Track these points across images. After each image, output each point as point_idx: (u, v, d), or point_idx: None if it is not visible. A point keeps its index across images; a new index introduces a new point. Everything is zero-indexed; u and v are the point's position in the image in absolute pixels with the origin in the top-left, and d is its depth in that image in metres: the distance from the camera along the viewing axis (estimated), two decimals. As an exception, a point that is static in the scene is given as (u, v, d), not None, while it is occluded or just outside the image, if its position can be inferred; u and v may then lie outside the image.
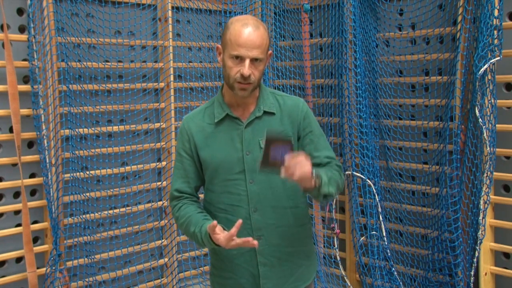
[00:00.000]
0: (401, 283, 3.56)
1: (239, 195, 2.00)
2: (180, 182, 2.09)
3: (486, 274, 3.19)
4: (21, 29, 3.25)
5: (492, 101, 3.06)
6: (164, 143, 3.80)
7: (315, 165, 2.00)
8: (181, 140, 2.08)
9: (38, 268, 3.18)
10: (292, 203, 2.05)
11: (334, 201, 3.90)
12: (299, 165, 1.74)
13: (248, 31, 1.89)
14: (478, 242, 3.13)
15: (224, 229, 1.87)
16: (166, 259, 3.83)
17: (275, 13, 4.16)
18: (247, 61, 1.89)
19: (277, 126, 2.03)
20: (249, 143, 2.00)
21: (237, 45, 1.88)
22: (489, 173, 3.09)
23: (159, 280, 3.81)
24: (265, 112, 2.03)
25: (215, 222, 1.82)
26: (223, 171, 2.01)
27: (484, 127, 3.04)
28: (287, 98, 2.09)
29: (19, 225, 3.20)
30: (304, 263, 2.11)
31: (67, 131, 3.32)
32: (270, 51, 2.02)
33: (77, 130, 3.36)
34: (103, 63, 3.50)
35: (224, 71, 1.96)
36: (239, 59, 1.90)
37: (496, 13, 2.97)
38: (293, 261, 2.07)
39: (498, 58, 3.01)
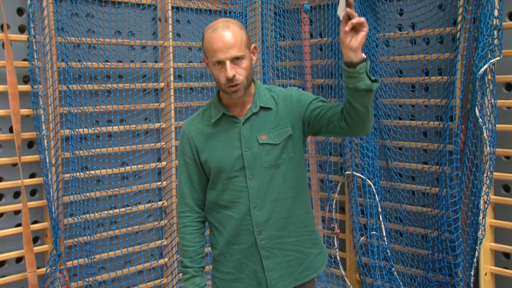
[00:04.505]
0: (401, 283, 3.56)
1: (239, 192, 2.01)
2: (186, 188, 2.12)
3: (486, 274, 3.19)
4: (21, 29, 3.25)
5: (492, 101, 3.06)
6: (164, 143, 3.80)
7: (337, 115, 1.95)
8: (182, 144, 2.11)
9: (38, 268, 3.18)
10: (292, 193, 2.05)
11: (334, 201, 3.90)
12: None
13: (218, 35, 1.91)
14: (478, 242, 3.13)
15: None
16: (166, 259, 3.83)
17: (275, 13, 4.16)
18: (228, 63, 1.90)
19: (274, 119, 2.04)
20: (248, 139, 2.01)
21: (213, 52, 1.91)
22: (489, 173, 3.09)
23: (159, 280, 3.81)
24: (261, 108, 2.04)
25: None
26: (224, 169, 2.02)
27: (484, 127, 3.04)
28: (280, 91, 2.11)
29: (19, 225, 3.20)
30: (312, 252, 2.11)
31: (67, 131, 3.32)
32: (253, 45, 2.02)
33: (77, 130, 3.36)
34: (103, 63, 3.50)
35: (214, 79, 1.99)
36: (221, 64, 1.92)
37: (496, 13, 2.97)
38: (299, 250, 2.07)
39: (498, 58, 3.01)
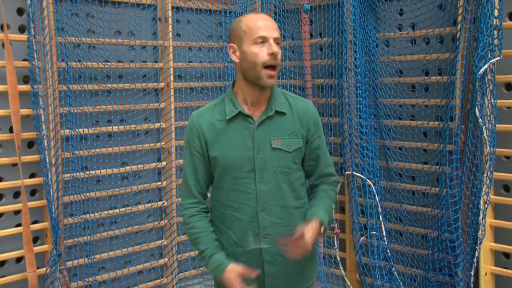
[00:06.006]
0: (401, 283, 3.56)
1: (248, 194, 2.01)
2: (191, 180, 2.08)
3: (486, 274, 3.19)
4: (21, 29, 3.25)
5: (492, 101, 3.06)
6: (164, 143, 3.80)
7: (315, 176, 2.14)
8: (191, 137, 2.06)
9: (38, 268, 3.18)
10: (298, 204, 2.07)
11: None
12: (300, 248, 1.90)
13: (262, 16, 1.98)
14: (478, 242, 3.13)
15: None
16: (166, 259, 3.83)
17: (275, 13, 4.16)
18: (272, 41, 1.93)
19: (289, 127, 2.04)
20: (260, 142, 2.00)
21: (257, 28, 1.93)
22: (489, 173, 3.09)
23: (159, 280, 3.81)
24: (276, 112, 2.04)
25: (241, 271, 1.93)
26: (233, 169, 2.01)
27: (484, 127, 3.04)
28: (298, 100, 2.12)
29: (19, 225, 3.20)
30: (309, 263, 2.12)
31: (67, 131, 3.33)
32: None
33: (77, 130, 3.36)
34: (103, 63, 3.50)
35: (247, 63, 1.95)
36: (263, 42, 1.93)
37: (496, 13, 2.97)
38: (299, 261, 2.07)
39: (498, 58, 3.01)
